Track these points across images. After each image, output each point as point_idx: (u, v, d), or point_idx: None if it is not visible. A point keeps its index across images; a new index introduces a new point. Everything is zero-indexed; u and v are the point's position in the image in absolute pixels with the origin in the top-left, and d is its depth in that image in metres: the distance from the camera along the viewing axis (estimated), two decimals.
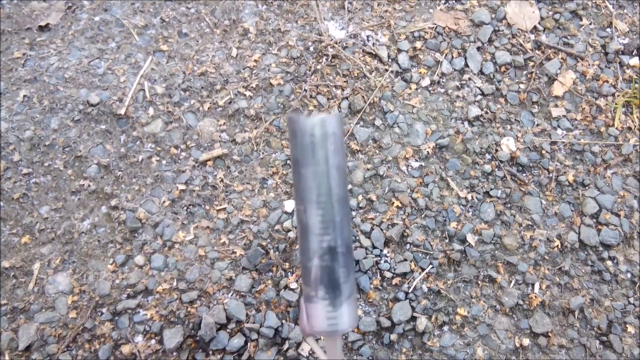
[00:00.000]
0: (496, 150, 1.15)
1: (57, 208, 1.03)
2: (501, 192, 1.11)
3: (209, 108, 1.13)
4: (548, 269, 1.06)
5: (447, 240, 1.06)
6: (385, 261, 1.03)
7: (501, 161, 1.14)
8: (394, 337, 0.98)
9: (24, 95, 1.11)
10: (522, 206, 1.11)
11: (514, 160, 1.14)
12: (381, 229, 1.05)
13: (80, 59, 1.16)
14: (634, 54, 1.27)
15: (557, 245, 1.08)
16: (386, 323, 0.99)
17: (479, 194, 1.11)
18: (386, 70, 1.20)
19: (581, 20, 1.30)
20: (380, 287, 1.02)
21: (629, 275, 1.07)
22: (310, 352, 0.96)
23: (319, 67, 1.19)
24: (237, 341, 0.95)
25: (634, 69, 1.25)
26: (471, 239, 1.06)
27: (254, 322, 0.98)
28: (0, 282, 0.97)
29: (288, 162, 1.10)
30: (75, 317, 0.96)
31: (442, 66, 1.22)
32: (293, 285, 1.01)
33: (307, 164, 0.45)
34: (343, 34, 1.23)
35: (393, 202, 1.08)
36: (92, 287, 0.98)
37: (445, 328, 1.01)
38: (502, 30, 1.27)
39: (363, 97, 1.15)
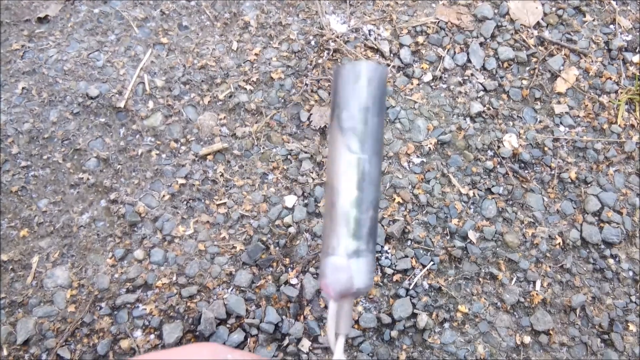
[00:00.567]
0: (498, 147, 1.14)
1: (56, 201, 1.03)
2: (503, 189, 1.10)
3: (209, 102, 1.12)
4: (549, 267, 1.06)
5: (448, 237, 1.06)
6: (386, 257, 1.03)
7: (503, 158, 1.13)
8: (394, 333, 0.98)
9: (23, 88, 1.10)
10: (523, 203, 1.10)
11: (516, 157, 1.13)
12: (382, 225, 1.04)
13: (79, 51, 1.15)
14: (637, 51, 1.26)
15: (559, 243, 1.07)
16: (387, 319, 0.98)
17: (481, 190, 1.10)
18: (388, 65, 1.19)
19: (584, 16, 1.30)
20: (381, 284, 1.02)
21: (630, 273, 1.07)
22: (311, 348, 0.96)
23: (320, 61, 1.18)
24: (237, 336, 0.95)
25: (637, 66, 1.25)
26: (472, 235, 1.06)
27: (254, 318, 0.97)
28: None
29: (289, 156, 1.09)
30: (74, 311, 0.96)
31: (445, 61, 1.21)
32: (293, 281, 1.00)
33: (379, 113, 0.45)
34: (345, 28, 1.22)
35: (394, 198, 1.07)
36: (91, 281, 0.98)
37: (446, 325, 1.00)
38: (505, 26, 1.26)
39: None
